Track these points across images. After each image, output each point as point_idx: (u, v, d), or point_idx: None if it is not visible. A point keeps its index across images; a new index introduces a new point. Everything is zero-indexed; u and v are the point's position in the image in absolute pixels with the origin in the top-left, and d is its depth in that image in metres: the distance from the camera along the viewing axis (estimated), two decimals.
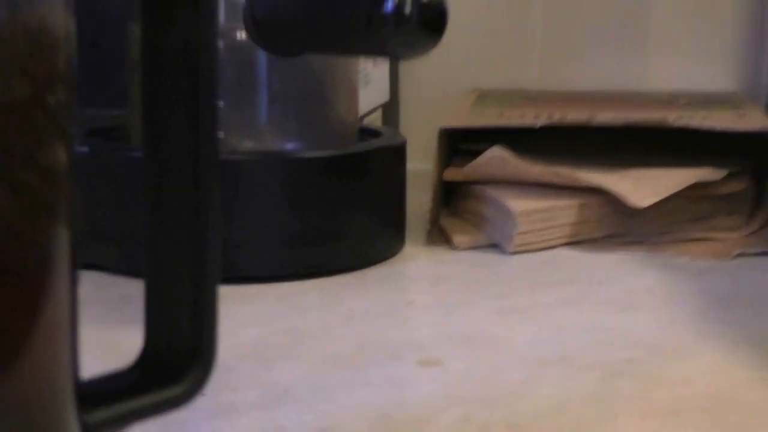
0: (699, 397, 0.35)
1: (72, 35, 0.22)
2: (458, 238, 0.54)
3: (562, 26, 0.75)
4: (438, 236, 0.55)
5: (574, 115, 0.58)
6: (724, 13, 0.73)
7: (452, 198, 0.59)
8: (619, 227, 0.54)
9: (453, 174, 0.57)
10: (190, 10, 0.25)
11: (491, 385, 0.36)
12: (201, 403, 0.27)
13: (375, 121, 0.67)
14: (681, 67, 0.75)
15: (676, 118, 0.56)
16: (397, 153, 0.53)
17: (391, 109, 0.71)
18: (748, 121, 0.56)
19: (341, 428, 0.32)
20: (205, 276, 0.27)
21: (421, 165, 0.56)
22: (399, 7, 0.38)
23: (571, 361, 0.38)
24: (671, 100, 0.67)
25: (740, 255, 0.52)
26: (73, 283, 0.22)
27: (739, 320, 0.43)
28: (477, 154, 0.56)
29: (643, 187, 0.52)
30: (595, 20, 0.74)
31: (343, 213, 0.50)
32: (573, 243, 0.54)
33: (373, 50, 0.41)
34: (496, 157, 0.54)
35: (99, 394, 0.24)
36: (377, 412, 0.34)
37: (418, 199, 0.56)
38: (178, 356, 0.27)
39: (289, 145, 0.50)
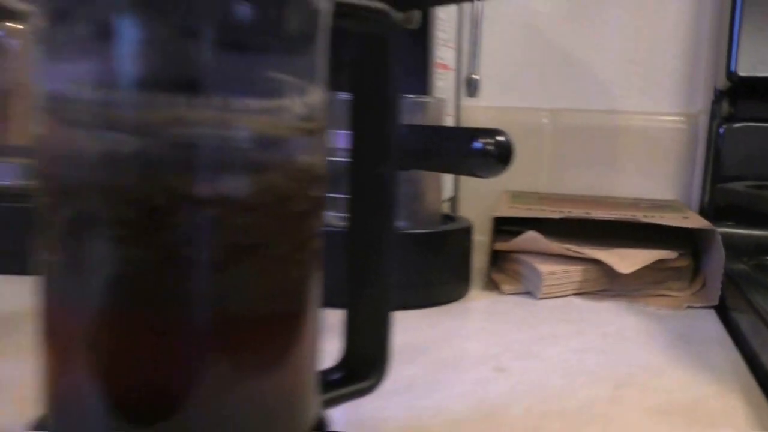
0: (680, 402, 0.35)
1: (326, 165, 0.23)
2: (505, 287, 0.55)
3: (562, 152, 0.76)
4: (490, 285, 0.56)
5: (578, 211, 0.59)
6: (667, 147, 0.74)
7: (499, 261, 0.59)
8: (609, 285, 0.55)
9: (501, 246, 0.58)
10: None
11: (543, 385, 0.37)
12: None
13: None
14: (638, 181, 0.75)
15: (644, 216, 0.58)
16: (467, 232, 0.54)
17: (454, 200, 0.72)
18: (691, 222, 0.57)
19: (450, 410, 0.33)
20: (383, 308, 0.28)
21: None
22: (485, 147, 0.40)
23: (591, 374, 0.39)
24: (636, 203, 0.68)
25: (689, 307, 0.52)
26: (319, 314, 0.23)
27: (695, 351, 0.43)
28: (514, 232, 0.57)
29: (626, 259, 0.53)
30: (583, 149, 0.76)
31: (433, 269, 0.51)
32: (579, 294, 0.55)
33: (465, 172, 0.42)
34: (530, 237, 0.55)
35: (320, 383, 0.25)
36: (472, 400, 0.34)
37: (477, 259, 0.57)
38: (366, 360, 0.28)
39: (401, 225, 0.51)
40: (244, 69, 0.20)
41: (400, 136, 0.27)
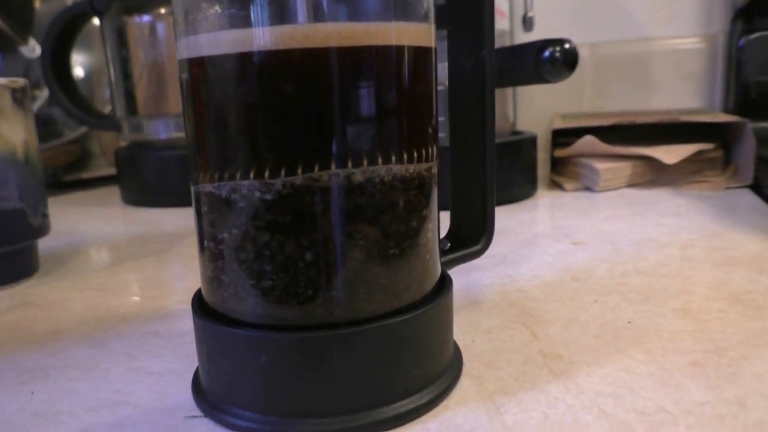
0: (742, 256, 0.32)
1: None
2: (567, 185, 0.51)
3: (602, 79, 0.70)
4: (553, 186, 0.53)
5: (623, 120, 0.54)
6: (690, 64, 0.67)
7: (557, 166, 0.55)
8: (655, 176, 0.50)
9: (561, 152, 0.53)
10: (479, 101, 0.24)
11: (618, 252, 0.33)
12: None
13: None
14: (668, 96, 0.69)
15: (683, 117, 0.52)
16: (533, 141, 0.50)
17: (513, 123, 0.67)
18: (722, 118, 0.51)
19: (542, 276, 0.30)
20: (487, 190, 0.25)
21: None
22: (552, 55, 0.36)
23: (657, 241, 0.35)
24: (668, 113, 0.62)
25: (727, 188, 0.47)
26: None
27: (743, 218, 0.39)
28: (566, 144, 0.53)
29: (670, 153, 0.48)
30: (619, 74, 0.69)
31: (511, 173, 0.47)
32: (631, 185, 0.50)
33: (537, 80, 0.38)
34: (587, 141, 0.51)
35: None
36: (559, 267, 0.32)
37: (541, 167, 0.53)
38: (473, 230, 0.25)
39: None
40: None
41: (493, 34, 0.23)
